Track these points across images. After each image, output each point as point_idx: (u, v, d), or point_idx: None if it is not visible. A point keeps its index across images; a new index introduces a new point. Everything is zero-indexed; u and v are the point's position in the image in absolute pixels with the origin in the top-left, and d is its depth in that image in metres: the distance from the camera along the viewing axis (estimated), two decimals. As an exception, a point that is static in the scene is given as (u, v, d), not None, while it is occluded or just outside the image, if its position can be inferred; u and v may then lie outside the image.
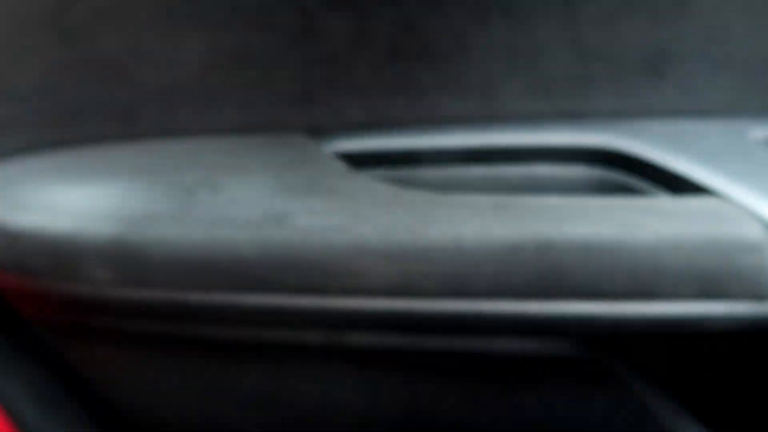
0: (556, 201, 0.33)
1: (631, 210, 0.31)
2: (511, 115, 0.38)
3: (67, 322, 0.39)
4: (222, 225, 0.33)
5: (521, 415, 0.40)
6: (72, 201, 0.36)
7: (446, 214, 0.32)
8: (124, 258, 0.34)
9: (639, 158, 0.35)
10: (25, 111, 0.37)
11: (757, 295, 0.30)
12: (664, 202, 0.32)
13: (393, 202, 0.33)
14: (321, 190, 0.35)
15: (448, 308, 0.32)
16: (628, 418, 0.39)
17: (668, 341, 0.37)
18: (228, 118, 0.38)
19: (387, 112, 0.39)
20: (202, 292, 0.34)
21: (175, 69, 0.37)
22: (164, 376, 0.42)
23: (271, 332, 0.35)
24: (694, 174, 0.34)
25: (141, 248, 0.33)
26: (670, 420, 0.38)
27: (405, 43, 0.37)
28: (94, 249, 0.34)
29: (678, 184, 0.34)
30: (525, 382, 0.38)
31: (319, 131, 0.40)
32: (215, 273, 0.33)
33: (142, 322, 0.37)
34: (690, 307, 0.31)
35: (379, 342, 0.35)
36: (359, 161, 0.38)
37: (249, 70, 0.38)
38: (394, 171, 0.39)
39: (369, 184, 0.35)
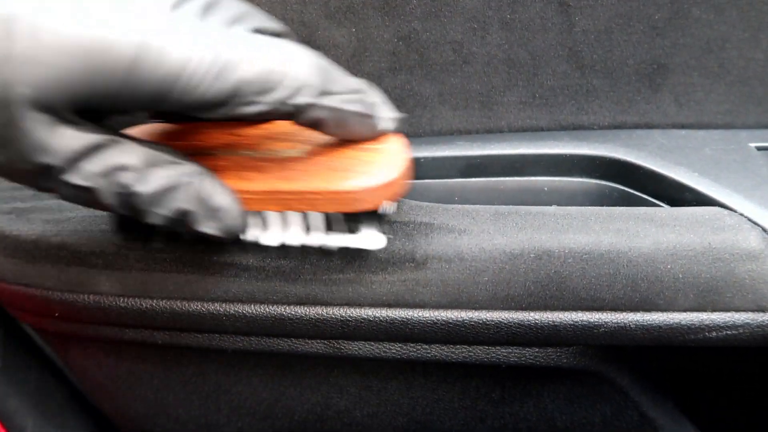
0: (555, 211, 0.33)
1: (629, 219, 0.32)
2: (511, 127, 0.39)
3: (68, 332, 0.39)
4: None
5: (521, 425, 0.39)
6: (73, 211, 0.36)
7: (446, 224, 0.32)
8: (125, 268, 0.34)
9: (638, 168, 0.35)
10: None
11: (756, 305, 0.30)
12: (663, 211, 0.32)
13: (393, 212, 0.33)
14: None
15: (448, 317, 0.32)
16: (627, 427, 0.38)
17: (668, 351, 0.37)
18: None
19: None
20: (203, 302, 0.34)
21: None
22: (165, 385, 0.42)
23: (272, 341, 0.35)
24: (693, 183, 0.34)
25: (142, 258, 0.33)
26: (670, 430, 0.38)
27: (405, 55, 0.37)
28: (97, 259, 0.34)
29: (677, 194, 0.34)
30: (524, 392, 0.38)
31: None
32: (216, 283, 0.33)
33: (144, 332, 0.37)
34: (689, 317, 0.30)
35: (379, 351, 0.35)
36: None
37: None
38: None
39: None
